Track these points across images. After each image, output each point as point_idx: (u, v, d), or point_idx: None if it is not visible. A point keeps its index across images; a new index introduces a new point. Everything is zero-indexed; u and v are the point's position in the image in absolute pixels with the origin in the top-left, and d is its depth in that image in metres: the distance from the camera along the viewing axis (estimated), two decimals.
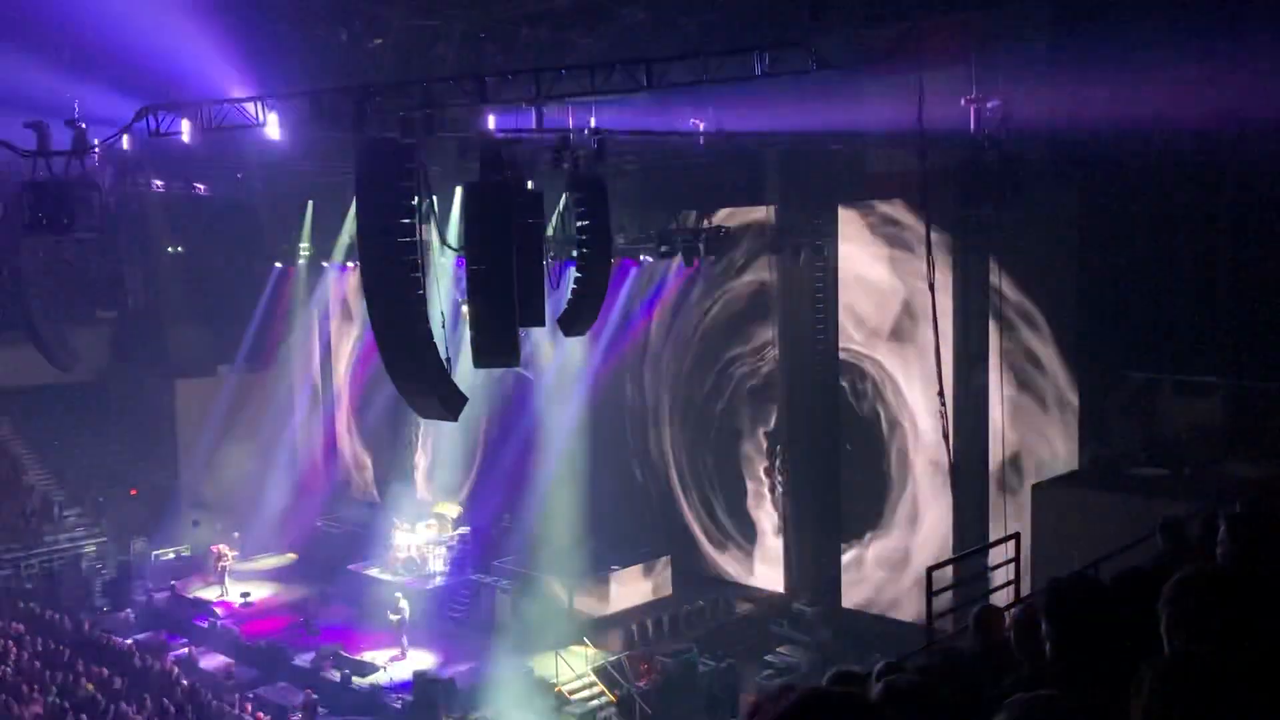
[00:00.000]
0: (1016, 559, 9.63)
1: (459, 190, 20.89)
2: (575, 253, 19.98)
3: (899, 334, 22.43)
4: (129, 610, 27.75)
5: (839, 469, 23.99)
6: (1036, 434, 20.43)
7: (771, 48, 14.08)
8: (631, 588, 25.61)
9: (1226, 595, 2.63)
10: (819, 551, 24.38)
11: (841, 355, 23.39)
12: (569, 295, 20.16)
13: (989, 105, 16.73)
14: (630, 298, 27.46)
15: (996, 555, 10.90)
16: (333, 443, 34.06)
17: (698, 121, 18.84)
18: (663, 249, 23.87)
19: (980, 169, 16.71)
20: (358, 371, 32.38)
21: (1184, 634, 2.57)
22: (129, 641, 24.25)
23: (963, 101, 16.79)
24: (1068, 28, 16.24)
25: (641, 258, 24.99)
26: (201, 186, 23.54)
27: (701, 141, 19.13)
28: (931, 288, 16.66)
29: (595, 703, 21.24)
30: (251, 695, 21.97)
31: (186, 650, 24.64)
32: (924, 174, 13.57)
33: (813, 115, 17.32)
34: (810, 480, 24.57)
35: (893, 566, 22.94)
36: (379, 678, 22.48)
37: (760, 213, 24.62)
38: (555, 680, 21.62)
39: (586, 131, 17.33)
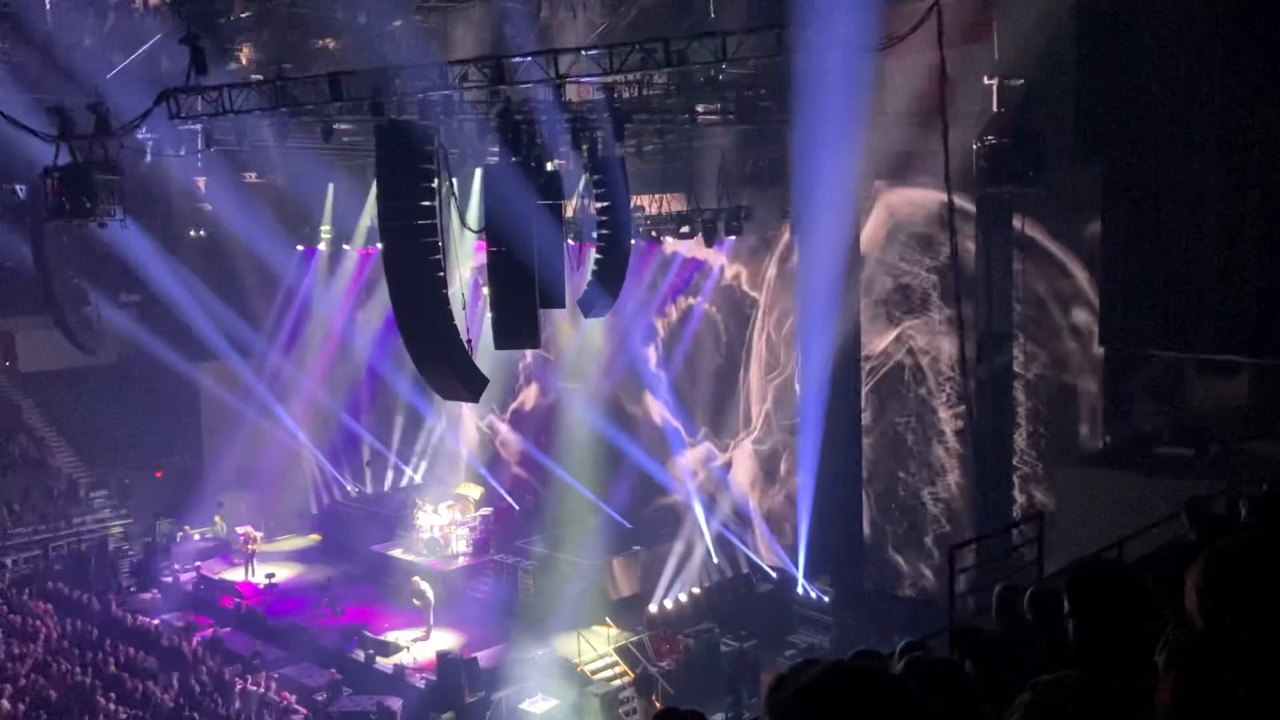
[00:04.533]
0: (1040, 538, 9.58)
1: (479, 172, 20.94)
2: (595, 234, 19.97)
3: (922, 311, 22.34)
4: (155, 591, 28.04)
5: (859, 453, 23.88)
6: (1060, 414, 20.31)
7: (792, 26, 13.99)
8: (654, 568, 25.70)
9: (1257, 571, 2.60)
10: (841, 532, 24.29)
11: (864, 330, 23.29)
12: (589, 277, 20.17)
13: (1012, 84, 16.61)
14: (651, 279, 27.45)
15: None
16: (355, 425, 34.23)
17: None
18: (683, 230, 23.79)
19: (1003, 148, 16.59)
20: (379, 354, 32.50)
21: (1212, 611, 2.54)
22: (155, 622, 24.51)
23: (985, 80, 16.68)
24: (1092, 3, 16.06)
25: (662, 239, 24.91)
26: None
27: None
28: (955, 267, 16.59)
29: (617, 682, 21.34)
30: (276, 675, 22.18)
31: (212, 630, 24.88)
32: (946, 153, 13.48)
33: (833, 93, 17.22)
34: (830, 462, 24.39)
35: None
36: (402, 658, 22.64)
37: (782, 192, 24.50)
38: (578, 660, 21.73)
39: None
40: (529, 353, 29.29)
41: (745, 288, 27.08)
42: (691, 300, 28.24)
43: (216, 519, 30.85)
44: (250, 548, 28.44)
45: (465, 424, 32.89)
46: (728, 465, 27.36)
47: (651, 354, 28.67)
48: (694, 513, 26.66)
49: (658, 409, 28.42)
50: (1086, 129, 17.23)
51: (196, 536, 30.48)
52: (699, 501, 26.73)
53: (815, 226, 22.56)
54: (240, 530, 28.93)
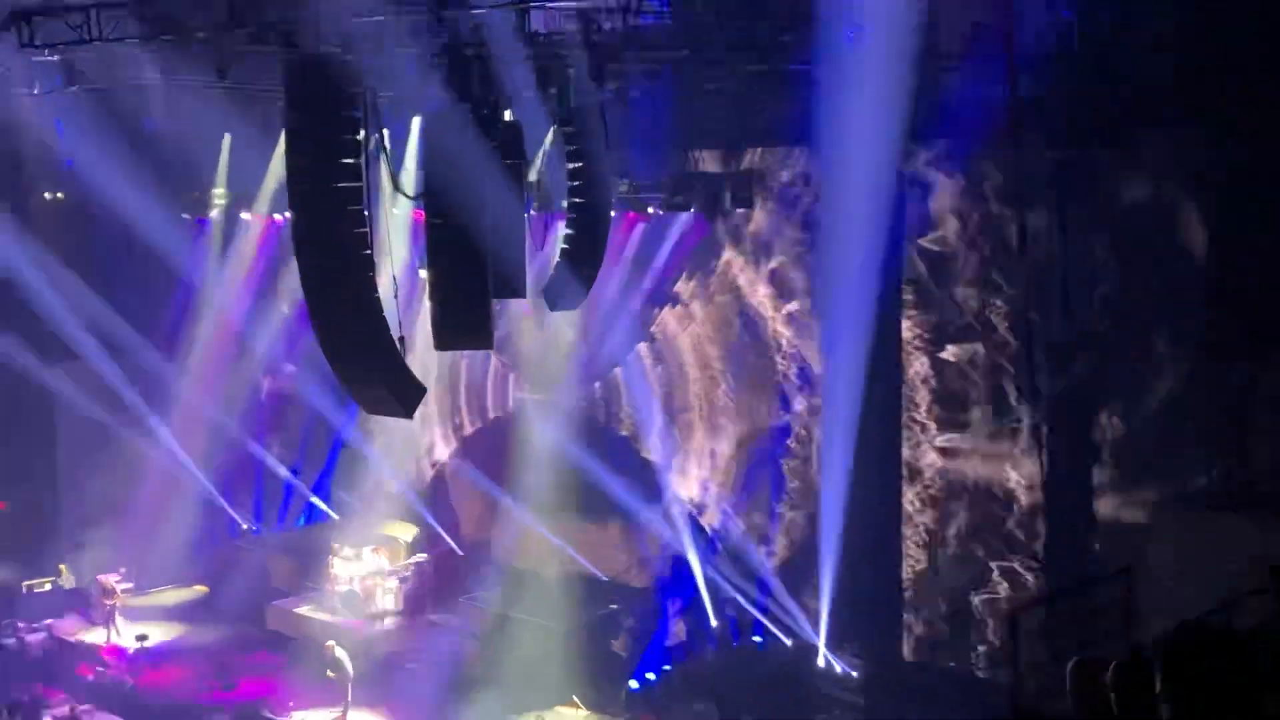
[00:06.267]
0: (1127, 599, 9.65)
1: (416, 121, 20.91)
2: (565, 204, 19.97)
3: (980, 311, 22.47)
4: None
5: (898, 488, 23.87)
6: (1155, 443, 20.38)
7: None
8: (635, 632, 25.69)
9: None
10: (874, 589, 24.26)
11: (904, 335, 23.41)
12: (556, 258, 20.16)
13: (1095, 19, 16.70)
14: (635, 261, 27.45)
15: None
16: (255, 445, 34.13)
17: None
18: (676, 199, 23.80)
19: (1084, 99, 16.65)
20: (286, 353, 32.40)
21: None
22: None
23: (1061, 14, 16.75)
24: None
25: (649, 210, 24.92)
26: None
27: None
28: (1023, 254, 16.62)
29: None
30: None
31: (67, 709, 24.71)
32: (1012, 104, 13.54)
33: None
34: (862, 501, 24.23)
35: None
36: None
37: (802, 154, 24.56)
38: None
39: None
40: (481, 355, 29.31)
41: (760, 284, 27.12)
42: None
43: (62, 568, 30.61)
44: (111, 602, 28.15)
45: (396, 445, 32.78)
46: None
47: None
48: (688, 563, 26.65)
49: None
50: (1190, 79, 17.26)
51: (47, 587, 30.27)
52: (695, 550, 26.73)
53: (842, 198, 22.62)
54: (101, 579, 28.68)
